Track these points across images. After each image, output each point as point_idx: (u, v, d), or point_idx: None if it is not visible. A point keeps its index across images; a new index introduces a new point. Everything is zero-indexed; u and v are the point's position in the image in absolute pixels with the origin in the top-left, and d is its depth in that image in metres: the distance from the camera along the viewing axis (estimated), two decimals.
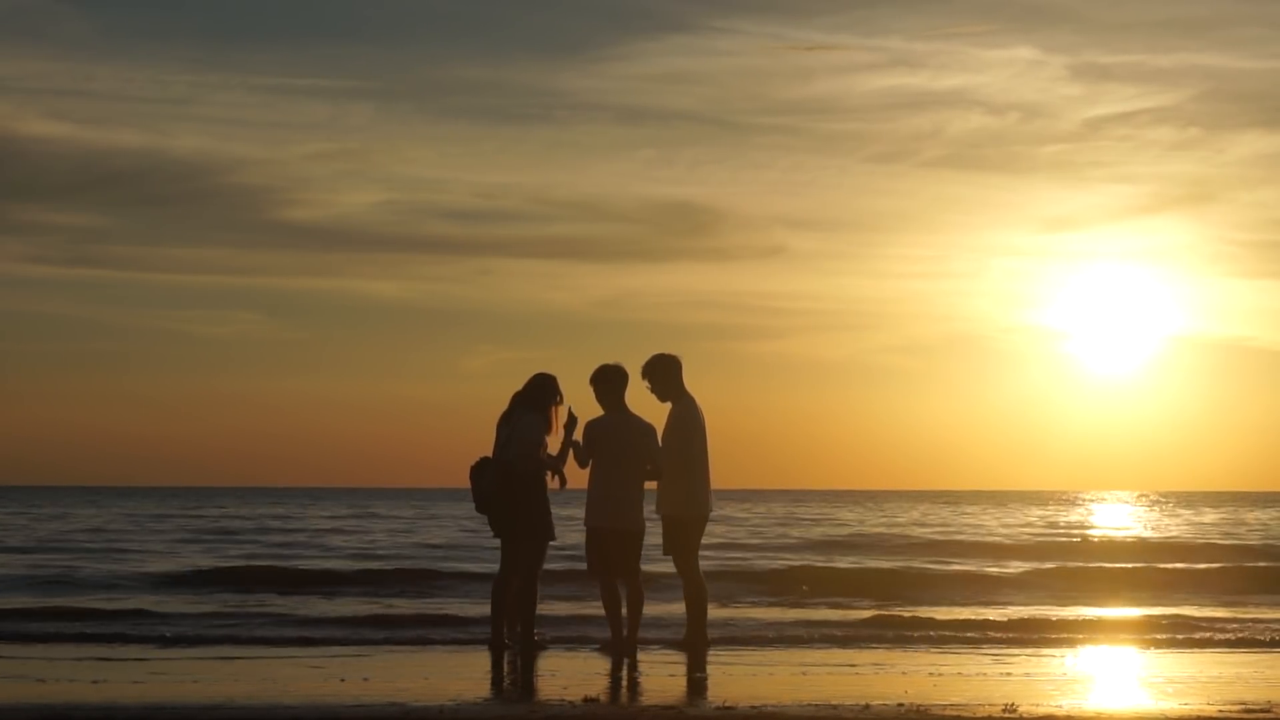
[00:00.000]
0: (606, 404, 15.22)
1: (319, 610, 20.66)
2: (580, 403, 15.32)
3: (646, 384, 15.29)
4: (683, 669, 14.32)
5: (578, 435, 15.21)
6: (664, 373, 15.27)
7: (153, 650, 15.78)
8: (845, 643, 17.00)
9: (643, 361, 15.30)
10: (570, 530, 18.97)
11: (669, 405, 15.31)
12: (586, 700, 11.81)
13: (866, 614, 20.21)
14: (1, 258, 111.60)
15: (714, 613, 16.43)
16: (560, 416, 15.16)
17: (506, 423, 15.15)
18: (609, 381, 15.22)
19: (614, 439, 15.09)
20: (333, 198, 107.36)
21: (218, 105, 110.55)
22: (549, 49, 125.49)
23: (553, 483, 15.26)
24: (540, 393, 15.13)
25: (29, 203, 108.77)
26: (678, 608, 15.90)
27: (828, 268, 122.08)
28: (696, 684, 13.39)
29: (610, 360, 15.27)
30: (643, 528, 15.21)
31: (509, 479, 15.03)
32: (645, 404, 15.42)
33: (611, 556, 15.13)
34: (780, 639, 17.27)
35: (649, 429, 15.22)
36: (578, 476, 15.32)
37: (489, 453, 15.26)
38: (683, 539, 15.26)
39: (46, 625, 18.23)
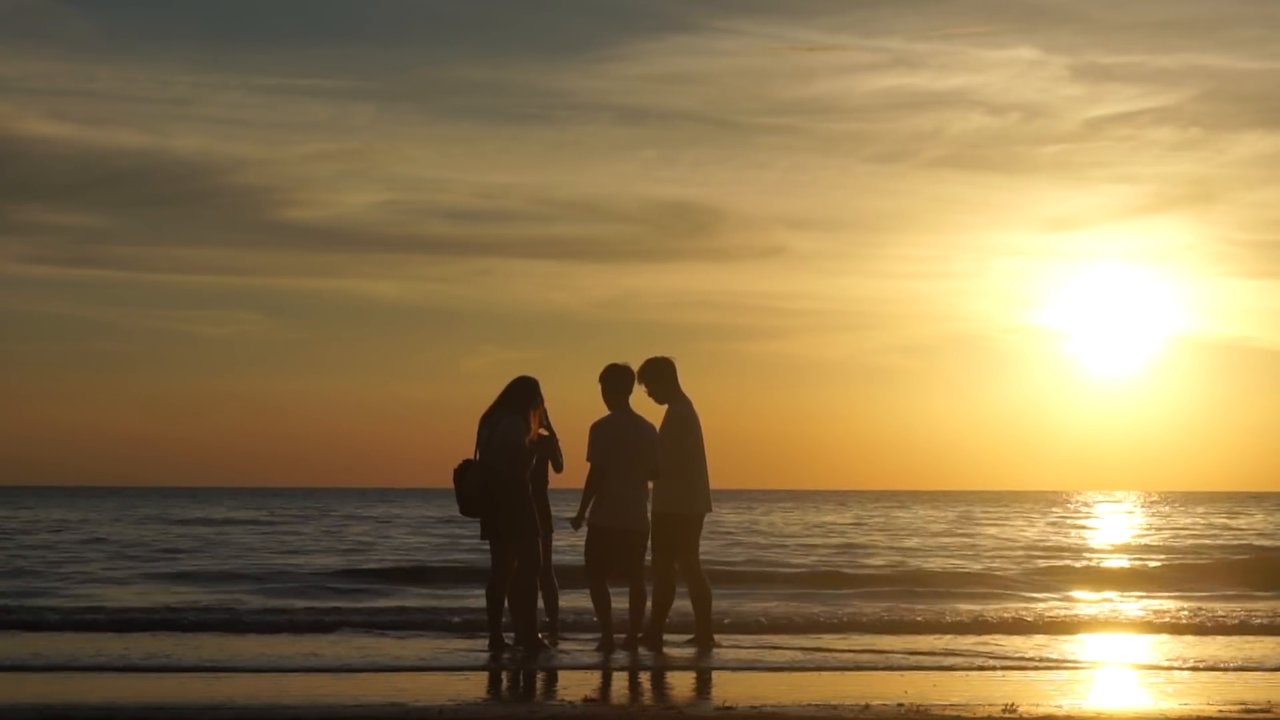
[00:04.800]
0: (613, 404, 15.28)
1: None
2: (582, 402, 15.37)
3: (643, 387, 15.40)
4: (682, 669, 14.30)
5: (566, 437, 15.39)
6: (660, 375, 15.40)
7: None
8: None
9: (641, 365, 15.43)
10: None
11: (664, 407, 15.45)
12: (586, 700, 11.81)
13: None
14: (2, 258, 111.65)
15: None
16: (539, 419, 15.26)
17: (487, 424, 15.17)
18: (615, 381, 15.27)
19: (620, 439, 15.14)
20: (333, 198, 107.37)
21: (219, 105, 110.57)
22: (550, 49, 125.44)
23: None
24: (521, 395, 15.16)
25: (30, 203, 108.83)
26: (683, 605, 15.90)
27: (828, 268, 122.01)
28: (697, 684, 13.39)
29: (618, 360, 15.37)
30: (647, 528, 15.27)
31: (491, 480, 15.02)
32: (647, 405, 15.50)
33: (614, 556, 15.16)
34: None
35: (652, 429, 15.30)
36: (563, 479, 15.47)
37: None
38: (675, 537, 15.34)
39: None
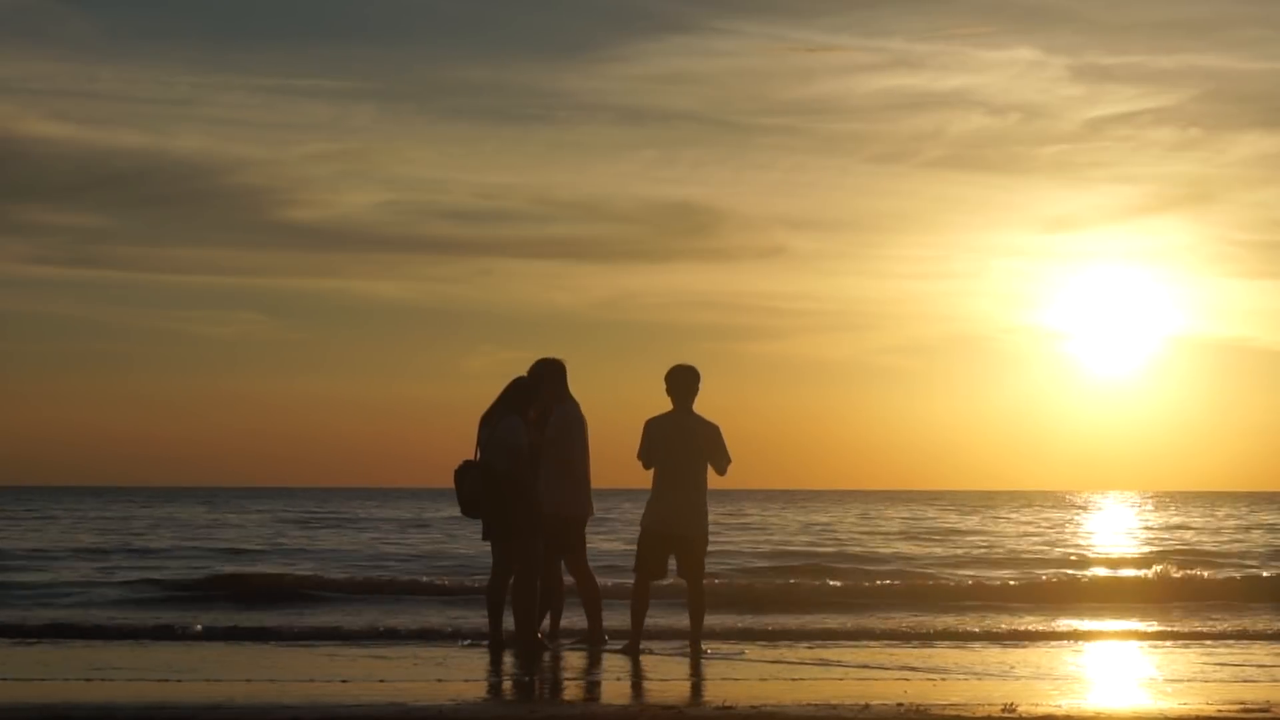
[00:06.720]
0: (673, 403, 15.22)
1: None
2: (583, 402, 15.36)
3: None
4: (683, 669, 14.31)
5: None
6: (551, 377, 15.41)
7: None
8: None
9: (652, 364, 15.52)
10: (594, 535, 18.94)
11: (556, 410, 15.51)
12: (587, 700, 11.81)
13: None
14: (4, 258, 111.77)
15: None
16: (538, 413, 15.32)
17: (487, 424, 15.19)
18: (670, 381, 15.21)
19: (660, 439, 15.07)
20: (334, 198, 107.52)
21: (219, 106, 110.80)
22: (549, 49, 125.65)
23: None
24: (520, 395, 15.17)
25: (31, 203, 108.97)
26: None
27: (828, 268, 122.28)
28: (696, 684, 13.40)
29: (684, 361, 15.31)
30: (695, 533, 15.16)
31: (492, 481, 15.03)
32: (705, 406, 15.38)
33: (654, 558, 15.17)
34: None
35: (712, 430, 15.17)
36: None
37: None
38: (569, 538, 15.37)
39: None
